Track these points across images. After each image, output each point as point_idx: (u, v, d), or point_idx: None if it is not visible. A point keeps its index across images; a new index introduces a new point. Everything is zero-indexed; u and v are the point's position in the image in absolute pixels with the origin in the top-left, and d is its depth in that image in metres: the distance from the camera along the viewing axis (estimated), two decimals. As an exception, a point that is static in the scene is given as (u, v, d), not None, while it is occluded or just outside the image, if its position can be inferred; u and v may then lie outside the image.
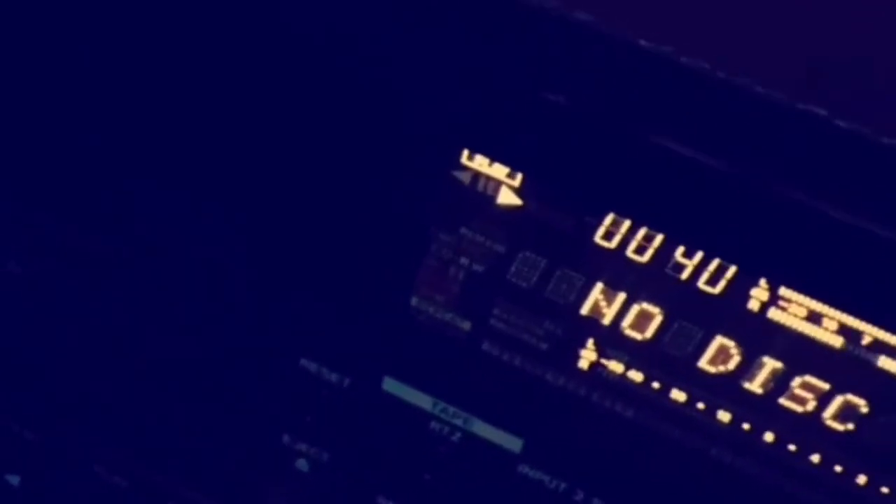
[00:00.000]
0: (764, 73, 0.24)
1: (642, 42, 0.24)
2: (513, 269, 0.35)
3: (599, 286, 0.34)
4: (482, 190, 0.34)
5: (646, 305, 0.34)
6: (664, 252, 0.33)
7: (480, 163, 0.34)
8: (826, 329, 0.32)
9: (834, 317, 0.32)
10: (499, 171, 0.34)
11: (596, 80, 0.26)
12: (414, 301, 0.37)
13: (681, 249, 0.33)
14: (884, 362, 0.32)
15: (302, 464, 0.39)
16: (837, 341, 0.32)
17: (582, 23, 0.25)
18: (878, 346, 0.32)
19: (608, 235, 0.33)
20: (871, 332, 0.32)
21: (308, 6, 0.30)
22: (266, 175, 0.35)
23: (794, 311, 0.32)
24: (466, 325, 0.36)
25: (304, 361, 0.38)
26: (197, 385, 0.38)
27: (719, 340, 0.34)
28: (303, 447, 0.38)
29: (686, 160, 0.28)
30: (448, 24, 0.27)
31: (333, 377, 0.38)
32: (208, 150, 0.33)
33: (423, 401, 0.37)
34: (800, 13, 0.24)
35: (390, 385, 0.37)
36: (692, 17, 0.24)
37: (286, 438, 0.38)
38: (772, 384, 0.33)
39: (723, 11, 0.23)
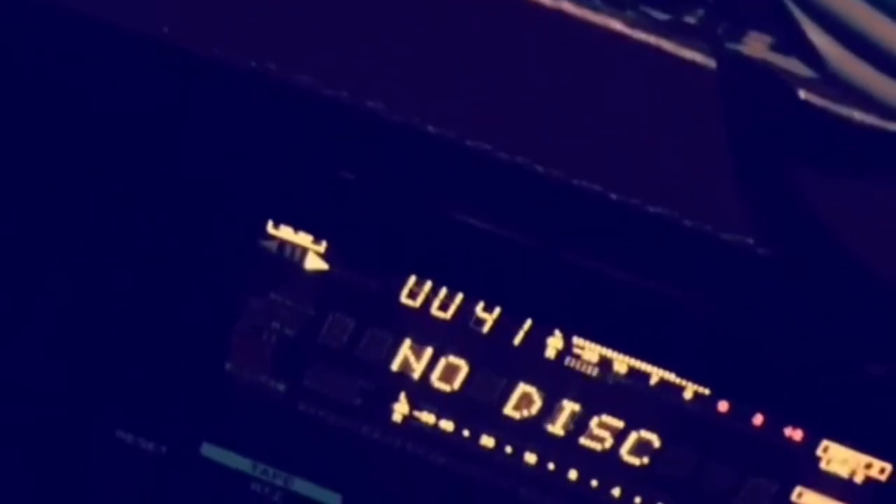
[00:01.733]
0: (543, 154, 0.26)
1: (429, 128, 0.26)
2: (323, 330, 0.37)
3: (408, 342, 0.36)
4: (289, 257, 0.36)
5: (452, 358, 0.36)
6: (466, 309, 0.35)
7: (286, 232, 0.35)
8: (617, 372, 0.35)
9: (623, 361, 0.35)
10: (304, 238, 0.35)
11: (385, 161, 0.28)
12: (228, 366, 0.38)
13: (481, 305, 0.35)
14: (669, 399, 0.35)
15: (124, 534, 0.40)
16: (628, 382, 0.35)
17: (370, 110, 0.26)
18: (664, 386, 0.35)
19: (412, 295, 0.35)
20: (656, 372, 0.35)
21: (117, 84, 0.31)
22: (78, 245, 0.36)
23: (587, 357, 0.35)
24: (281, 387, 0.38)
25: (119, 432, 0.38)
26: (12, 464, 0.38)
27: (522, 387, 0.36)
28: (124, 518, 0.39)
29: (478, 230, 0.30)
30: (251, 116, 0.29)
31: (150, 446, 0.38)
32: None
33: (242, 464, 0.39)
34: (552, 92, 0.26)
35: (209, 450, 0.38)
36: (473, 105, 0.26)
37: (106, 510, 0.39)
38: (572, 425, 0.36)
39: (502, 101, 0.26)
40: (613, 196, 0.26)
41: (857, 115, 0.24)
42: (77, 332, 0.37)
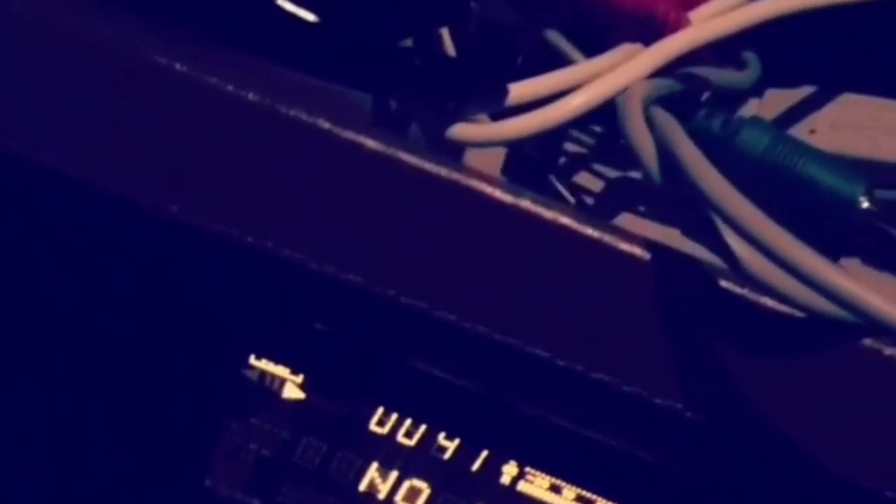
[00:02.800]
0: (501, 325, 0.30)
1: (402, 299, 0.30)
2: (298, 452, 0.40)
3: (375, 465, 0.40)
4: (269, 385, 0.40)
5: (416, 481, 0.40)
6: (429, 437, 0.39)
7: (266, 364, 0.39)
8: (565, 498, 0.39)
9: (571, 489, 0.38)
10: (283, 370, 0.39)
11: (356, 318, 0.32)
12: (208, 482, 0.41)
13: (442, 435, 0.39)
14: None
15: None
16: (575, 509, 0.39)
17: (348, 281, 0.30)
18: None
19: (381, 423, 0.39)
20: (600, 500, 0.38)
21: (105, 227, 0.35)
22: (66, 371, 0.39)
23: (539, 483, 0.39)
24: (257, 503, 0.41)
25: (105, 543, 0.42)
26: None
27: (479, 509, 0.40)
28: None
29: (437, 376, 0.34)
30: (242, 276, 0.33)
31: (134, 555, 0.42)
32: None
33: (220, 573, 0.42)
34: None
35: (189, 561, 0.42)
36: (439, 280, 0.30)
37: None
38: (524, 545, 0.39)
39: (464, 279, 0.30)
40: (560, 362, 0.30)
41: (770, 303, 0.29)
42: (67, 442, 0.41)
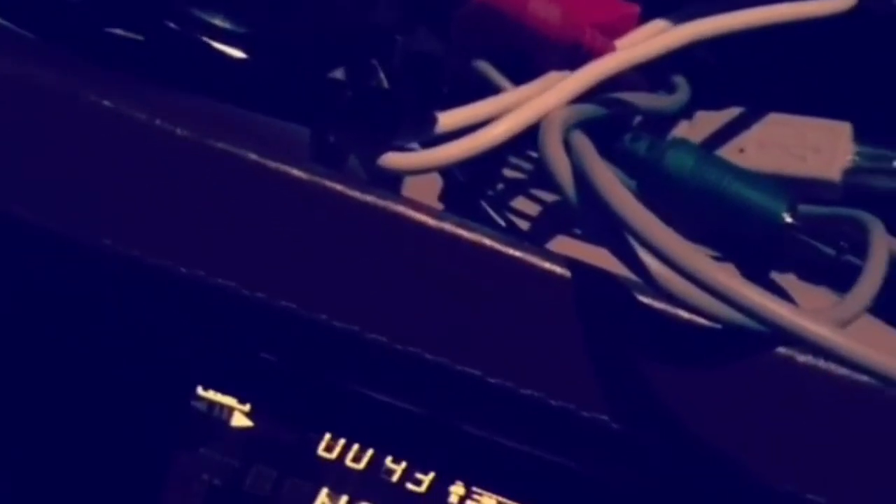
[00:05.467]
0: (436, 347, 0.32)
1: (335, 323, 0.32)
2: (248, 480, 0.42)
3: (325, 491, 0.41)
4: (217, 415, 0.41)
5: (365, 504, 0.41)
6: (376, 461, 0.40)
7: (214, 394, 0.40)
8: (512, 516, 0.40)
9: (517, 507, 0.40)
10: (230, 400, 0.40)
11: (302, 347, 0.34)
12: (161, 513, 0.42)
13: (389, 458, 0.40)
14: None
15: None
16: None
17: (267, 302, 0.32)
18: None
19: (329, 448, 0.40)
20: (546, 517, 0.40)
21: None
22: (14, 404, 0.40)
23: (486, 502, 0.40)
24: (210, 532, 0.42)
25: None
26: None
27: (428, 529, 0.41)
28: None
29: (381, 401, 0.35)
30: (187, 311, 0.34)
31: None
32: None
33: None
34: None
35: None
36: (380, 307, 0.31)
37: None
38: (474, 564, 0.41)
39: (406, 304, 0.31)
40: (491, 380, 0.31)
41: (686, 316, 0.30)
42: (16, 475, 0.42)
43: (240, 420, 0.41)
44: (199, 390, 0.40)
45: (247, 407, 0.40)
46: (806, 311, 0.29)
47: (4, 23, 0.39)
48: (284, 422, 0.40)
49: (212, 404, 0.41)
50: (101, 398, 0.40)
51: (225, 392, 0.40)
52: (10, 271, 0.35)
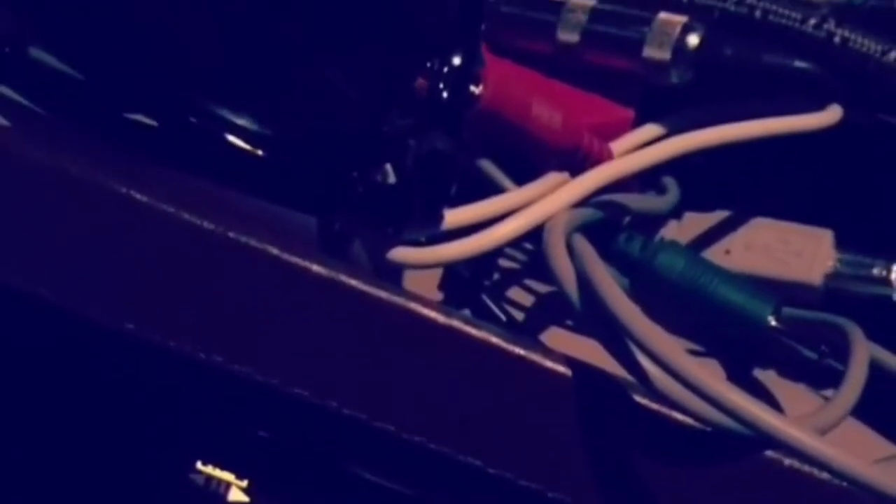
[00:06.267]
0: (430, 430, 0.33)
1: (331, 403, 0.34)
2: (242, 553, 0.43)
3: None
4: (215, 489, 0.42)
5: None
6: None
7: (212, 469, 0.42)
8: None
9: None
10: (228, 475, 0.42)
11: (296, 425, 0.35)
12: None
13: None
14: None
15: None
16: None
17: (271, 385, 0.34)
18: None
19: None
20: None
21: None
22: (14, 477, 0.42)
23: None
24: None
25: None
26: None
27: None
28: None
29: (373, 484, 0.37)
30: (189, 392, 0.36)
31: None
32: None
33: None
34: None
35: None
36: (375, 396, 0.33)
37: None
38: None
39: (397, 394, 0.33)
40: (491, 470, 0.33)
41: (680, 417, 0.32)
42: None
43: (237, 495, 0.42)
44: (199, 464, 0.42)
45: (244, 483, 0.42)
46: (790, 418, 0.31)
47: (31, 105, 0.41)
48: (280, 498, 0.42)
49: (210, 478, 0.42)
50: (102, 468, 0.42)
51: (224, 467, 0.41)
52: (28, 348, 0.36)
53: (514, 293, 0.46)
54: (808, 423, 0.32)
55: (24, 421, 0.41)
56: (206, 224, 0.32)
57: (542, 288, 0.47)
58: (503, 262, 0.47)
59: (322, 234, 0.39)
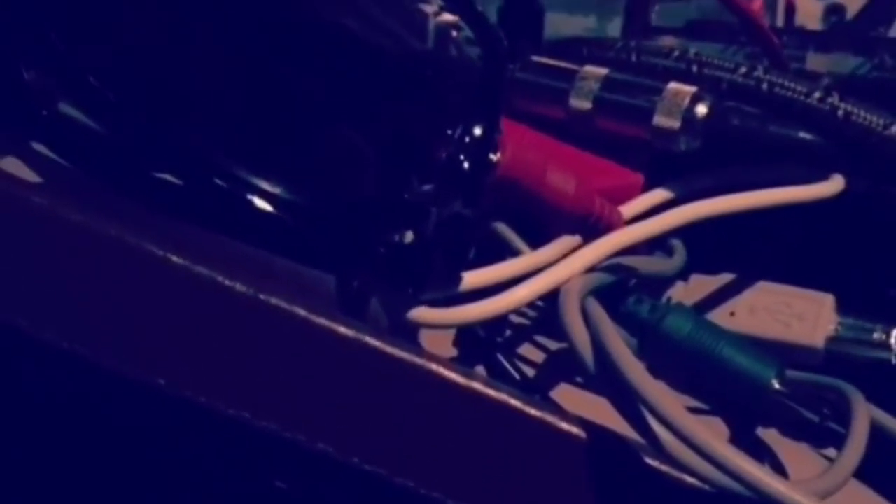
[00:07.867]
0: (449, 487, 0.35)
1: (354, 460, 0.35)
2: None
3: None
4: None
5: None
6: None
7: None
8: None
9: None
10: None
11: (309, 477, 0.37)
12: None
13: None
14: None
15: None
16: None
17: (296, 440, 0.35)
18: None
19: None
20: None
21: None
22: None
23: None
24: None
25: None
26: None
27: None
28: None
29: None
30: (207, 447, 0.37)
31: None
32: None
33: None
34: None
35: None
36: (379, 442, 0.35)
37: None
38: None
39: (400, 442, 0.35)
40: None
41: (689, 480, 0.34)
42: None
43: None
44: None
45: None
46: (793, 483, 0.33)
47: (62, 161, 0.43)
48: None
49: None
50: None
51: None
52: (61, 404, 0.38)
53: (526, 350, 0.48)
54: (810, 487, 0.34)
55: (61, 482, 0.43)
56: (238, 286, 0.34)
57: (552, 344, 0.49)
58: (514, 318, 0.49)
59: (341, 293, 0.41)
